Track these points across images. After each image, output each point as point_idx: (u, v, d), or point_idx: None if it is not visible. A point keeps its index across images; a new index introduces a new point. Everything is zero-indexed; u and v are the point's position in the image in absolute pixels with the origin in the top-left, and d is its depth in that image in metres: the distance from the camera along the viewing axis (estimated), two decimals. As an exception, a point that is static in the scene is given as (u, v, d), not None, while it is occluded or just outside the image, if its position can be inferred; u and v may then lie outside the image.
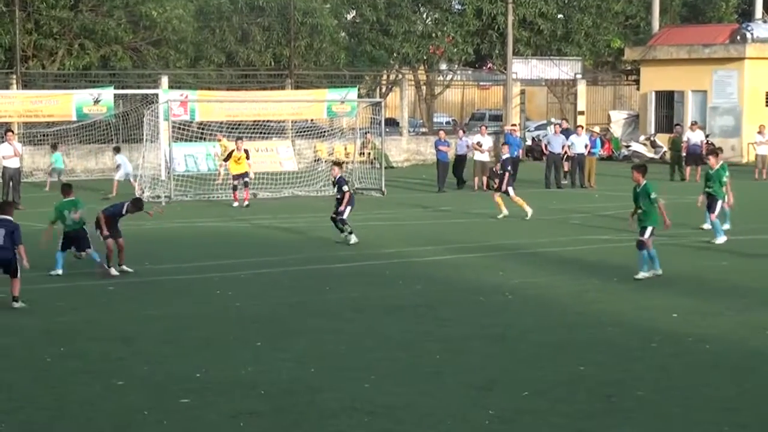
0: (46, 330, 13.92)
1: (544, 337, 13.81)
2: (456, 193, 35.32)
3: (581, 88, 53.46)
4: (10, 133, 31.80)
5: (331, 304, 16.05)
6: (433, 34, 54.13)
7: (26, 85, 41.79)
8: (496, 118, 56.17)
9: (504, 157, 28.26)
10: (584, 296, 16.64)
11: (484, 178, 35.81)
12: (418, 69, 56.65)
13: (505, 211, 26.88)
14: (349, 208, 22.51)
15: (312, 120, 47.16)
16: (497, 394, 11.16)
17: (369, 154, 42.32)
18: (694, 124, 43.34)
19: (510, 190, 27.40)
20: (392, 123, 52.09)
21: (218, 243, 23.02)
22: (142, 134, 34.85)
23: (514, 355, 12.89)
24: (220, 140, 37.83)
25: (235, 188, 31.15)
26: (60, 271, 18.19)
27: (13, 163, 30.71)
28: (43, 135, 41.06)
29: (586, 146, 36.96)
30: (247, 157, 31.44)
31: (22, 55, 42.26)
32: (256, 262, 20.06)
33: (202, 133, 39.88)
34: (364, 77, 53.88)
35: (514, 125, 44.11)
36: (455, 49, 54.39)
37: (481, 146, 36.44)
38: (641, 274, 17.70)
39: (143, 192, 30.60)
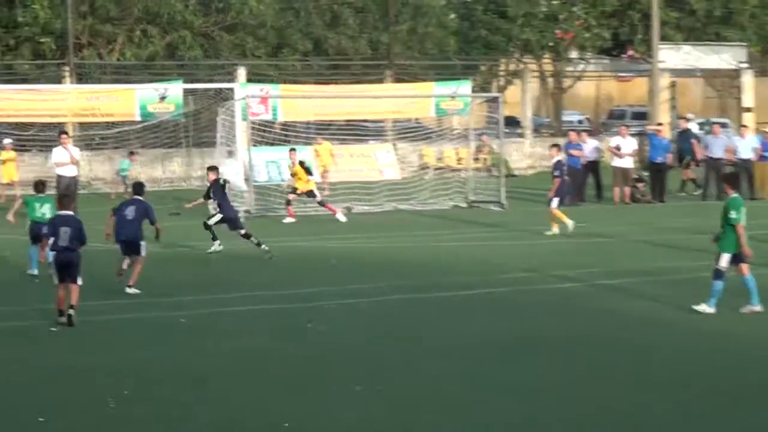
0: (113, 370, 14.01)
1: (709, 383, 13.47)
2: (593, 206, 34.92)
3: (747, 79, 52.53)
4: (64, 136, 31.59)
5: (442, 339, 15.88)
6: (561, 17, 53.78)
7: (81, 78, 42.50)
8: (640, 115, 55.53)
9: (555, 159, 28.13)
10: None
11: (626, 189, 35.44)
12: (543, 58, 56.31)
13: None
14: None
15: (417, 119, 47.20)
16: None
17: (485, 159, 42.14)
18: None
19: (554, 201, 27.46)
20: (513, 122, 51.81)
21: (305, 266, 23.03)
22: (215, 137, 35.15)
23: (692, 408, 12.54)
24: (320, 143, 38.06)
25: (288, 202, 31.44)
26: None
27: (69, 172, 30.56)
28: (102, 138, 41.67)
29: (755, 150, 36.33)
30: (308, 172, 31.45)
31: (76, 43, 43.00)
32: (351, 289, 19.97)
33: (286, 136, 40.16)
34: (478, 68, 53.75)
35: (660, 124, 43.62)
36: (588, 34, 53.99)
37: (620, 150, 36.06)
38: (703, 306, 17.24)
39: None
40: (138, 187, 21.21)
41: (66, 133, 32.90)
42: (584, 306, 18.40)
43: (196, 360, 14.66)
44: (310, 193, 31.24)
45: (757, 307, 17.31)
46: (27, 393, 12.97)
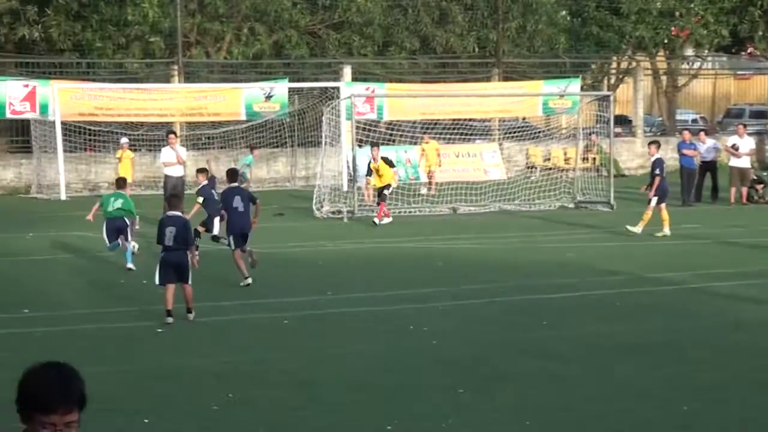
0: (217, 373, 14.21)
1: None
2: (707, 207, 34.57)
3: None
4: (172, 136, 31.90)
5: (549, 342, 15.88)
6: (677, 13, 53.17)
7: (188, 77, 43.01)
8: (759, 114, 54.70)
9: (654, 157, 27.92)
10: None
11: (743, 189, 35.03)
12: (657, 55, 55.74)
13: None
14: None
15: (524, 118, 47.06)
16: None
17: (594, 159, 41.88)
18: None
19: (654, 200, 27.37)
20: (623, 121, 51.42)
21: (411, 268, 23.09)
22: (320, 137, 35.43)
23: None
24: (427, 143, 38.17)
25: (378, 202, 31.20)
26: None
27: (176, 172, 30.86)
28: (208, 138, 42.15)
29: None
30: (391, 165, 31.48)
31: (184, 41, 43.50)
32: (456, 291, 20.01)
33: (391, 135, 40.26)
34: (588, 66, 53.40)
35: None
36: (705, 31, 53.26)
37: (737, 149, 35.65)
38: None
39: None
40: (233, 174, 21.62)
41: (174, 133, 33.21)
42: (695, 308, 18.25)
43: (299, 363, 14.78)
44: (385, 187, 31.01)
45: None
46: (132, 394, 13.20)
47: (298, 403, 12.76)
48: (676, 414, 12.23)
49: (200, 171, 25.64)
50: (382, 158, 31.61)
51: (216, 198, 23.90)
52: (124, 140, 34.94)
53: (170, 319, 16.93)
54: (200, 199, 24.13)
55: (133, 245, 22.81)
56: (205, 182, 24.85)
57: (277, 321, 17.47)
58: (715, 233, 28.07)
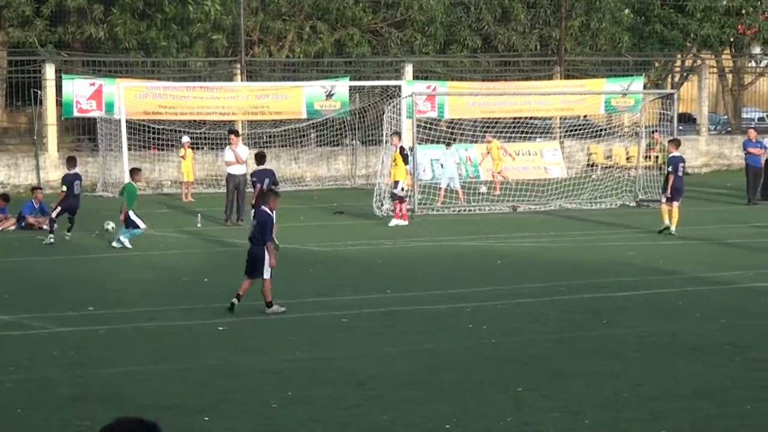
0: (276, 371, 14.27)
1: None
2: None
3: None
4: (233, 136, 31.74)
5: (608, 341, 15.81)
6: (744, 11, 52.73)
7: (250, 75, 43.20)
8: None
9: (672, 154, 27.85)
10: None
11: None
12: (723, 53, 55.25)
13: None
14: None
15: (585, 116, 46.84)
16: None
17: (657, 157, 41.53)
18: None
19: (664, 198, 27.59)
20: (688, 119, 51.03)
21: (470, 266, 23.11)
22: (382, 135, 35.45)
23: None
24: (489, 142, 38.12)
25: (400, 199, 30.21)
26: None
27: (237, 170, 30.74)
28: (270, 136, 42.30)
29: None
30: (405, 161, 30.22)
31: (247, 40, 43.70)
32: (515, 289, 19.99)
33: (452, 134, 40.21)
34: (652, 64, 53.06)
35: None
36: (773, 29, 52.85)
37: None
38: None
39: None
40: (262, 156, 22.44)
41: (235, 132, 32.88)
42: (756, 308, 18.10)
43: (358, 361, 14.80)
44: (395, 184, 30.18)
45: None
46: (192, 392, 13.27)
47: (355, 401, 12.79)
48: (740, 413, 12.14)
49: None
50: (400, 148, 30.65)
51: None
52: (185, 139, 35.13)
53: (234, 300, 17.41)
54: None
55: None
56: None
57: (335, 319, 17.51)
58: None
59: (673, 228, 27.10)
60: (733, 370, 14.08)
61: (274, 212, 17.79)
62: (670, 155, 27.97)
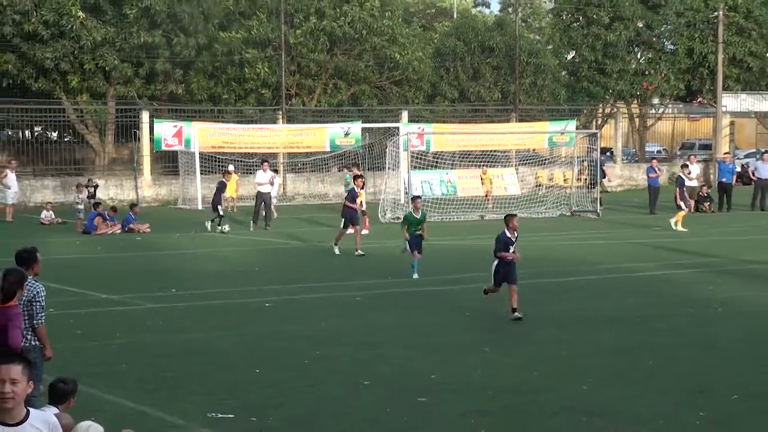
0: (308, 336, 14.24)
1: (754, 347, 13.13)
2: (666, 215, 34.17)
3: (788, 119, 50.71)
4: (265, 164, 31.56)
5: (555, 315, 15.72)
6: (647, 72, 52.78)
7: (289, 119, 43.31)
8: (706, 147, 54.09)
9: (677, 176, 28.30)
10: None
11: (692, 202, 34.59)
12: (632, 103, 55.31)
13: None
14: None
15: (534, 150, 46.79)
16: (708, 397, 10.68)
17: (586, 179, 41.51)
18: None
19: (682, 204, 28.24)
20: (607, 152, 50.97)
21: (457, 258, 22.99)
22: (385, 163, 35.45)
23: (724, 363, 12.30)
24: (485, 173, 37.66)
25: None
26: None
27: (265, 189, 30.44)
28: (302, 164, 42.44)
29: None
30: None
31: (287, 93, 43.87)
32: (485, 276, 19.84)
33: (436, 162, 40.26)
34: (582, 111, 53.06)
35: (727, 153, 42.42)
36: (667, 85, 52.87)
37: (689, 173, 35.20)
38: None
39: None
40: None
41: (267, 161, 32.45)
42: (657, 289, 18.08)
43: (367, 329, 14.78)
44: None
45: None
46: (247, 351, 13.26)
47: (366, 358, 12.78)
48: (645, 367, 12.13)
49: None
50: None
51: None
52: (231, 167, 35.08)
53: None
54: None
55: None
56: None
57: (351, 298, 17.49)
58: (673, 233, 27.75)
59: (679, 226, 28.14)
60: (640, 336, 14.06)
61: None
62: (677, 175, 28.49)
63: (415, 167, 38.08)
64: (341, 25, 43.43)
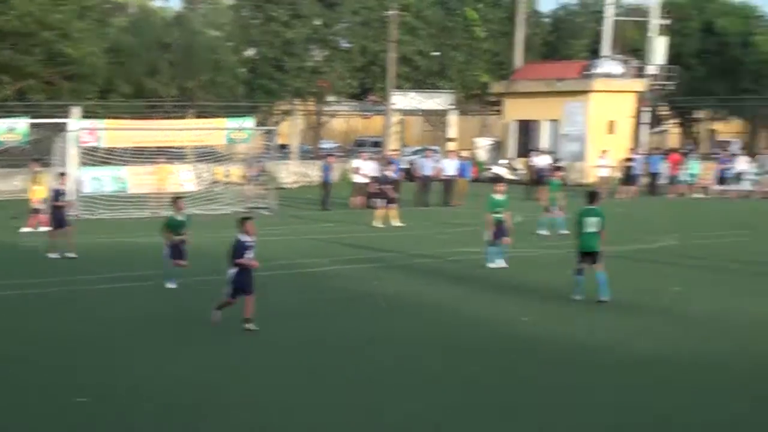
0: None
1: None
2: (340, 211, 35.08)
3: (452, 117, 53.79)
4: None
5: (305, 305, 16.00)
6: (323, 70, 53.91)
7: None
8: (378, 144, 56.18)
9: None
10: (449, 302, 16.53)
11: (361, 198, 35.70)
12: (309, 100, 56.38)
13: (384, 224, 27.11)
14: None
15: (212, 146, 46.41)
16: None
17: (260, 176, 41.75)
18: (537, 150, 44.16)
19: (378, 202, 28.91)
20: (284, 148, 51.66)
21: (120, 257, 22.25)
22: (52, 159, 33.80)
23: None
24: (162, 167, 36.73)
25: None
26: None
27: None
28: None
29: (456, 169, 37.16)
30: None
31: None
32: (145, 274, 19.28)
33: (109, 158, 38.88)
34: (260, 107, 53.36)
35: (396, 150, 44.20)
36: (342, 83, 54.27)
37: (359, 170, 36.35)
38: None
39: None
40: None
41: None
42: (321, 286, 18.33)
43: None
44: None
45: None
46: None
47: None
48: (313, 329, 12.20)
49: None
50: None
51: None
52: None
53: None
54: None
55: None
56: None
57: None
58: (348, 229, 28.40)
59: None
60: (298, 324, 14.12)
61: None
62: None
63: (86, 164, 36.52)
64: (9, 20, 40.90)
